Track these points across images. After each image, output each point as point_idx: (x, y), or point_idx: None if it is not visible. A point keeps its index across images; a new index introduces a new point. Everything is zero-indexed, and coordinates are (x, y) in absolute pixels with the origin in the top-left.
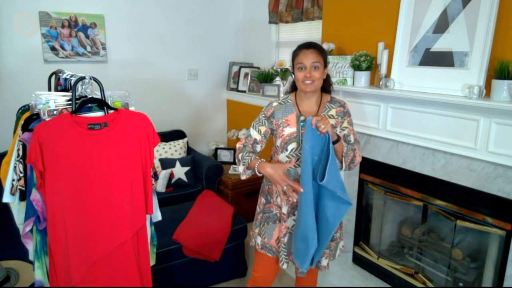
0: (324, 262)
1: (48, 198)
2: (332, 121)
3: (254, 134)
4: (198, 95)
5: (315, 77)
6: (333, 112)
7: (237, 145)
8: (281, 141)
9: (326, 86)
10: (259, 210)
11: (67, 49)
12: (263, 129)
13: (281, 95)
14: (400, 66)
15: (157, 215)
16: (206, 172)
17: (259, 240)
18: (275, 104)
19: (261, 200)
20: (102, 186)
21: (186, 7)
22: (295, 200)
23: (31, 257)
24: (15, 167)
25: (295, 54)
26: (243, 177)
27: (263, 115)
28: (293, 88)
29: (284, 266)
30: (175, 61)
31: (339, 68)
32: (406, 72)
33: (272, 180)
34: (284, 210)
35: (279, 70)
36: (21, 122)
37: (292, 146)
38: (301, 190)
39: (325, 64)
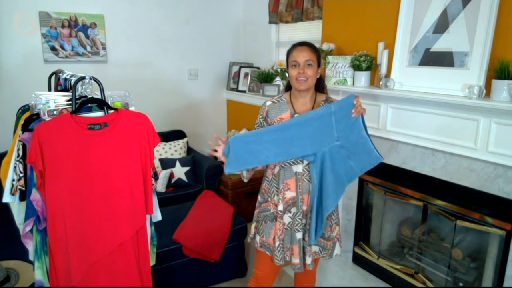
0: (308, 260)
1: (48, 198)
2: None
3: None
4: (198, 95)
5: (308, 74)
6: None
7: None
8: None
9: (319, 87)
10: (256, 207)
11: (67, 49)
12: None
13: None
14: (400, 66)
15: (157, 215)
16: (206, 172)
17: (257, 238)
18: (268, 103)
19: (258, 198)
20: (102, 186)
21: (186, 7)
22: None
23: (31, 257)
24: (15, 167)
25: (289, 53)
26: (245, 180)
27: (261, 117)
28: (288, 87)
29: (279, 263)
30: (175, 61)
31: (339, 68)
32: (406, 72)
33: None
34: (280, 207)
35: (279, 70)
36: (21, 122)
37: None
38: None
39: (319, 63)
